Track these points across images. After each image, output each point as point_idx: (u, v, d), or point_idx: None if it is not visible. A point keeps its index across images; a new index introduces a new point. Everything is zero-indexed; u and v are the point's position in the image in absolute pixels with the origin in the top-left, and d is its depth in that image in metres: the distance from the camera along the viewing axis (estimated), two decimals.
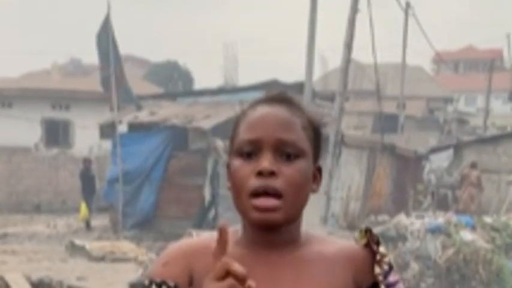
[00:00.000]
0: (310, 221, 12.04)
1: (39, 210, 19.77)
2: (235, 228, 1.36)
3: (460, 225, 10.18)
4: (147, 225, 14.24)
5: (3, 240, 13.72)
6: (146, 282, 1.33)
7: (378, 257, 1.35)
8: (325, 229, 10.87)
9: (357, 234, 1.41)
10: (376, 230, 8.98)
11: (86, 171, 16.14)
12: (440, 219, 10.78)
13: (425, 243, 9.66)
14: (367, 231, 1.38)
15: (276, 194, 1.27)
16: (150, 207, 14.37)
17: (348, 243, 1.41)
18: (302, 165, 1.30)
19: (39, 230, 15.20)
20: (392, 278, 1.35)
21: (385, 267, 1.35)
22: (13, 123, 19.37)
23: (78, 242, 12.04)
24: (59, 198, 20.47)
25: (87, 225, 15.39)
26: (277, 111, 1.33)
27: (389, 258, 1.37)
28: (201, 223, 13.08)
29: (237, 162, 1.30)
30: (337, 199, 13.62)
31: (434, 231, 9.88)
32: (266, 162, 1.27)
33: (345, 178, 14.25)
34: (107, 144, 16.87)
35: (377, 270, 1.34)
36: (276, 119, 1.31)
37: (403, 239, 9.77)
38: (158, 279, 1.32)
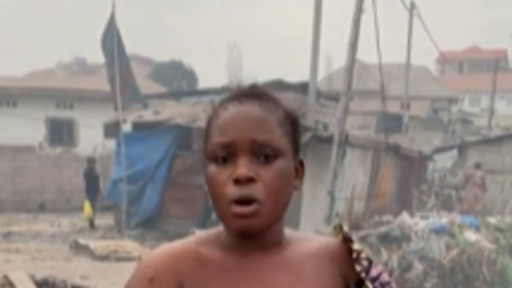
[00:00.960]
0: (315, 220, 12.04)
1: (43, 209, 19.79)
2: (218, 231, 1.32)
3: (464, 225, 10.17)
4: (151, 225, 14.25)
5: (7, 238, 13.74)
6: None
7: (355, 255, 1.31)
8: (329, 229, 10.84)
9: (331, 231, 1.37)
10: (380, 230, 8.99)
11: (90, 171, 16.15)
12: (444, 219, 10.76)
13: (430, 244, 9.65)
14: (340, 227, 1.35)
15: (255, 201, 1.22)
16: (154, 207, 14.37)
17: (329, 239, 1.37)
18: (281, 166, 1.24)
19: (43, 228, 15.21)
20: (374, 271, 1.32)
21: (364, 262, 1.31)
22: (17, 122, 19.39)
23: (82, 241, 12.05)
24: (63, 197, 20.49)
25: (91, 224, 15.39)
26: (250, 109, 1.26)
27: (366, 252, 1.32)
28: (204, 223, 13.07)
29: (212, 168, 1.25)
30: (341, 199, 13.61)
31: (439, 231, 9.87)
32: (243, 168, 1.21)
33: (349, 178, 14.23)
34: (111, 144, 16.88)
35: (358, 268, 1.31)
36: (249, 120, 1.25)
37: (407, 239, 9.76)
38: None
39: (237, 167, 1.22)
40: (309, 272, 1.29)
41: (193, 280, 1.25)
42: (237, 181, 1.21)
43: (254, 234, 1.25)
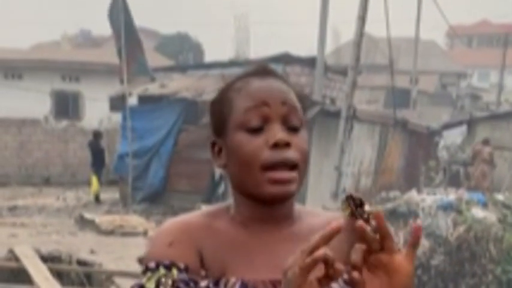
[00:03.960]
0: (321, 196, 12.00)
1: (49, 183, 19.81)
2: (226, 205, 1.35)
3: (472, 202, 10.11)
4: (156, 199, 14.22)
5: (12, 212, 13.75)
6: (152, 265, 1.24)
7: (365, 216, 1.25)
8: (335, 205, 10.81)
9: (341, 205, 1.32)
10: (387, 206, 8.93)
11: (95, 144, 16.09)
12: (451, 196, 10.71)
13: (437, 220, 9.60)
14: (348, 198, 1.29)
15: (292, 166, 1.25)
16: (160, 181, 14.33)
17: (336, 214, 1.37)
18: (305, 136, 1.30)
19: (48, 203, 15.20)
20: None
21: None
22: (23, 94, 19.32)
23: (87, 215, 12.03)
24: (69, 171, 20.50)
25: (97, 198, 15.38)
26: (274, 82, 1.31)
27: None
28: (210, 198, 13.03)
29: (241, 137, 1.27)
30: (348, 174, 13.54)
31: (446, 208, 9.82)
32: (281, 133, 1.25)
33: (357, 153, 14.15)
34: (117, 117, 16.81)
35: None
36: (278, 88, 1.30)
37: (414, 215, 9.71)
38: (167, 261, 1.23)
39: (274, 131, 1.25)
40: None
41: (209, 250, 1.27)
42: (276, 146, 1.24)
43: (287, 200, 1.28)
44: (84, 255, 8.92)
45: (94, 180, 15.42)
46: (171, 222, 1.31)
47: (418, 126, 18.16)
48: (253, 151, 1.24)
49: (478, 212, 9.73)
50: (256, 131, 1.26)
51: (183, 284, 1.22)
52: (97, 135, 16.29)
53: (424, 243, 9.40)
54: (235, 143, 1.27)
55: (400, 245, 9.27)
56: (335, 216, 1.37)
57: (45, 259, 8.19)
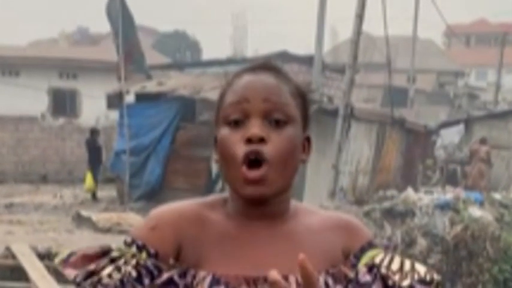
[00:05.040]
0: (318, 194, 11.99)
1: (46, 180, 19.78)
2: (224, 197, 1.35)
3: (469, 201, 10.14)
4: (153, 197, 14.18)
5: (9, 210, 13.72)
6: (128, 240, 1.28)
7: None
8: (332, 203, 10.80)
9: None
10: (385, 205, 8.93)
11: (92, 141, 16.07)
12: (449, 195, 10.73)
13: (434, 219, 9.61)
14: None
15: (264, 161, 1.23)
16: (157, 179, 14.31)
17: (334, 213, 1.40)
18: (291, 132, 1.27)
19: (45, 200, 15.18)
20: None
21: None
22: (20, 91, 19.27)
23: (84, 213, 12.01)
24: (66, 169, 20.47)
25: (94, 196, 15.36)
26: (264, 78, 1.29)
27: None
28: (208, 195, 13.01)
29: (224, 131, 1.27)
30: (345, 173, 13.53)
31: (443, 207, 9.84)
32: (255, 128, 1.24)
33: (354, 152, 14.14)
34: (114, 115, 16.78)
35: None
36: (264, 85, 1.28)
37: (411, 214, 9.72)
38: (140, 242, 1.27)
39: (250, 127, 1.24)
40: (308, 244, 1.30)
41: (192, 240, 1.27)
42: (249, 140, 1.23)
43: (263, 201, 1.26)
44: None
45: (88, 177, 15.35)
46: (165, 207, 1.33)
47: (416, 125, 18.15)
48: (232, 145, 1.25)
49: (475, 211, 9.75)
50: (237, 126, 1.26)
51: (145, 270, 1.24)
52: (94, 132, 16.26)
53: (421, 242, 9.41)
54: (220, 137, 1.28)
55: (397, 244, 9.28)
56: (332, 216, 1.37)
57: (42, 257, 8.18)
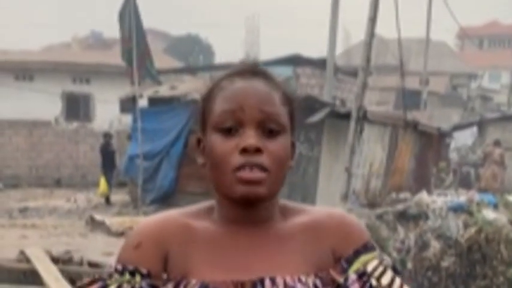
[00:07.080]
0: (331, 197, 11.97)
1: (60, 184, 19.87)
2: (209, 204, 1.34)
3: (483, 203, 10.09)
4: (166, 201, 14.21)
5: (23, 214, 13.79)
6: (119, 267, 1.29)
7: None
8: (345, 206, 10.78)
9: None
10: (398, 208, 8.91)
11: (106, 146, 16.13)
12: (462, 197, 10.69)
13: (447, 222, 9.58)
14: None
15: (261, 169, 1.23)
16: (170, 183, 14.34)
17: (326, 211, 1.37)
18: (284, 141, 1.27)
19: (59, 204, 15.24)
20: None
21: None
22: (34, 96, 19.40)
23: (98, 217, 12.05)
24: (79, 173, 20.56)
25: (107, 200, 15.41)
26: (256, 84, 1.28)
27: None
28: None
29: (215, 138, 1.26)
30: (358, 176, 13.50)
31: (456, 209, 9.81)
32: (251, 138, 1.23)
33: (367, 155, 14.10)
34: (128, 119, 16.84)
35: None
36: (258, 93, 1.27)
37: (425, 217, 9.69)
38: (131, 267, 1.28)
39: (245, 137, 1.23)
40: (296, 244, 1.30)
41: (178, 249, 1.28)
42: (244, 151, 1.22)
43: (257, 202, 1.26)
44: (95, 257, 8.93)
45: (102, 181, 15.43)
46: (145, 222, 1.33)
47: (429, 128, 18.07)
48: (225, 154, 1.24)
49: (488, 214, 9.71)
50: (230, 134, 1.25)
51: None
52: (107, 136, 16.33)
53: (435, 245, 9.37)
54: (210, 143, 1.27)
55: (410, 246, 9.24)
56: (322, 214, 1.35)
57: (56, 261, 8.21)
